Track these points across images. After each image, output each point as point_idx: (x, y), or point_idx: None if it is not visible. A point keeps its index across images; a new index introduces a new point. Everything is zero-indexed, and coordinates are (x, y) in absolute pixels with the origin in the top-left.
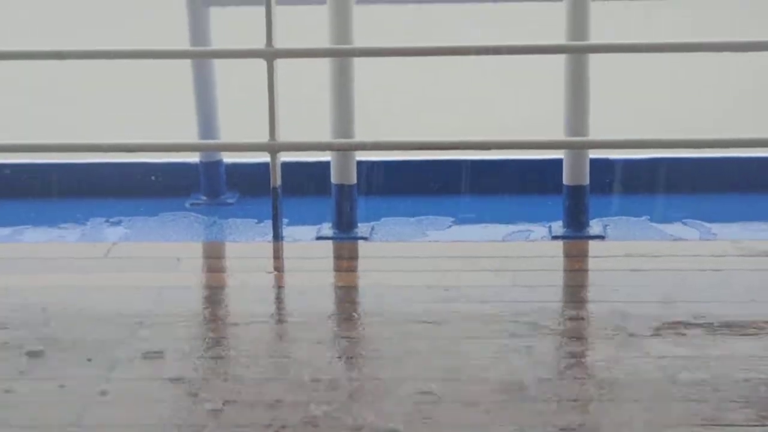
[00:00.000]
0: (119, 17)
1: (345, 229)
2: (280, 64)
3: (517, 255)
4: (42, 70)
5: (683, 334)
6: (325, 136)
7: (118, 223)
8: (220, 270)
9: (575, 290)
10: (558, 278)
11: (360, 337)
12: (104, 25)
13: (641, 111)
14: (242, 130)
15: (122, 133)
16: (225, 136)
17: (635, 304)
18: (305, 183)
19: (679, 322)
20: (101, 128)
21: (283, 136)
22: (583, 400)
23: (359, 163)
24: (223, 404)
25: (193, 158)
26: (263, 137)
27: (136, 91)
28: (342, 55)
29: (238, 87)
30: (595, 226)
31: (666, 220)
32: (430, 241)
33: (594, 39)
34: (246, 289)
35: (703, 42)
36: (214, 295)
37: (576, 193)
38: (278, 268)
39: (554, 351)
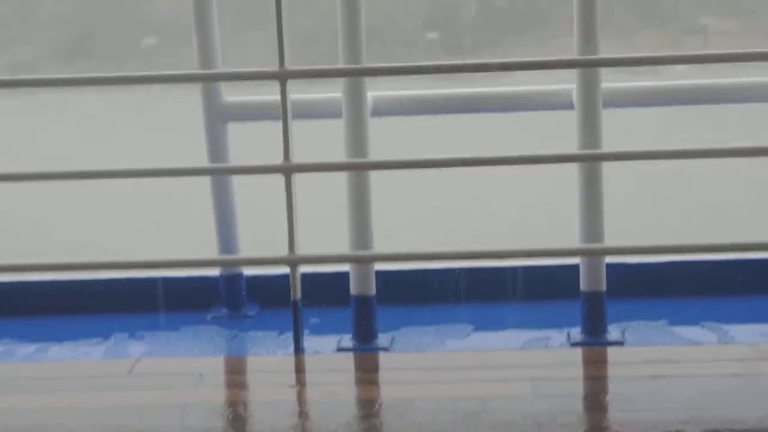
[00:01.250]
0: (137, 133)
1: (365, 340)
2: (297, 177)
3: (537, 363)
4: (61, 186)
5: None
6: (344, 247)
7: (142, 338)
8: (243, 385)
9: (596, 399)
10: (578, 387)
11: None
12: (122, 142)
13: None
14: (262, 242)
15: (143, 248)
16: (244, 248)
17: (657, 412)
18: (325, 294)
19: (702, 431)
20: (122, 244)
21: (302, 248)
22: None
23: (378, 272)
24: None
25: (214, 271)
26: (282, 249)
27: (155, 205)
28: (358, 168)
29: (257, 200)
30: (613, 332)
31: (684, 323)
32: (450, 351)
33: (607, 145)
34: (269, 405)
35: (718, 148)
36: (237, 411)
37: (593, 299)
38: (300, 382)
39: None
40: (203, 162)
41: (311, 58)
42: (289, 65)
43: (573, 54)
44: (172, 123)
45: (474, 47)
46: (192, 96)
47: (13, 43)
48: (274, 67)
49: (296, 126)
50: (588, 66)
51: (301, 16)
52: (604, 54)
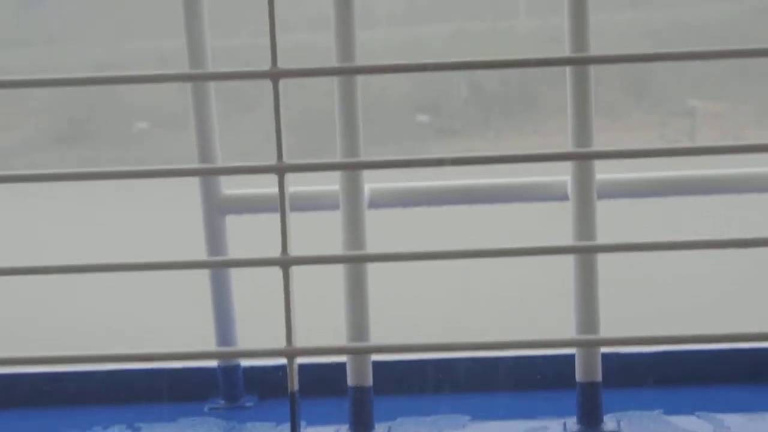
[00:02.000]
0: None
1: (362, 431)
2: (295, 269)
3: None
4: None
5: None
6: (341, 338)
7: (139, 429)
8: None
9: None
10: None
11: None
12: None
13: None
14: (259, 333)
15: (141, 340)
16: (242, 339)
17: None
18: (322, 385)
19: None
20: (119, 336)
21: (300, 340)
22: None
23: (375, 363)
24: None
25: (211, 363)
26: (280, 340)
27: (153, 296)
28: (355, 261)
29: (254, 292)
30: (609, 422)
31: (680, 413)
32: None
33: (602, 237)
34: None
35: (715, 240)
36: None
37: (589, 389)
38: None
39: None
40: (201, 253)
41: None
42: (287, 156)
43: (568, 145)
44: (168, 211)
45: (464, 129)
46: (189, 185)
47: (2, 130)
48: (271, 159)
49: (294, 217)
50: (582, 159)
51: (296, 93)
52: (598, 145)
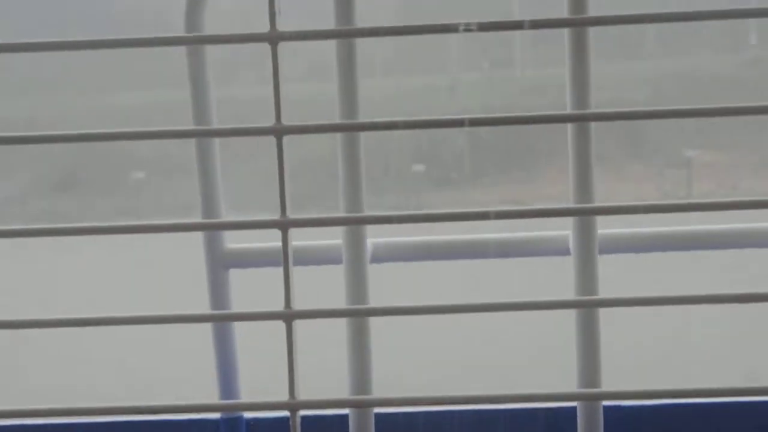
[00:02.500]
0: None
1: None
2: (298, 323)
3: None
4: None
5: None
6: (344, 391)
7: None
8: None
9: None
10: None
11: None
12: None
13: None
14: (263, 385)
15: (143, 392)
16: (245, 392)
17: None
18: None
19: None
20: (121, 387)
21: (303, 392)
22: None
23: (377, 414)
24: None
25: (214, 415)
26: (283, 392)
27: (155, 348)
28: (358, 315)
29: (258, 344)
30: None
31: None
32: None
33: (603, 291)
34: None
35: (719, 294)
36: None
37: None
38: None
39: None
40: (204, 306)
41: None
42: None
43: (569, 199)
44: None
45: (460, 179)
46: (192, 237)
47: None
48: (275, 213)
49: (297, 271)
50: (584, 214)
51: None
52: (596, 196)
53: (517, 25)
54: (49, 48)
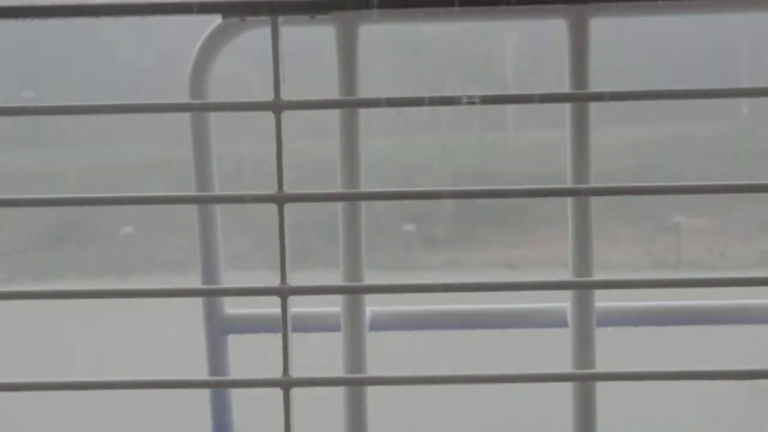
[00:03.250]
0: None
1: None
2: (295, 390)
3: None
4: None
5: None
6: None
7: None
8: None
9: None
10: None
11: None
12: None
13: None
14: None
15: None
16: None
17: None
18: None
19: None
20: None
21: None
22: None
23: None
24: None
25: None
26: None
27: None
28: (356, 384)
29: (255, 413)
30: None
31: None
32: None
33: (601, 365)
34: None
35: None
36: None
37: None
38: None
39: None
40: (201, 371)
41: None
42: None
43: (567, 272)
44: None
45: (451, 239)
46: (190, 301)
47: None
48: (275, 281)
49: (295, 338)
50: (582, 288)
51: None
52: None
53: (520, 99)
54: (50, 112)
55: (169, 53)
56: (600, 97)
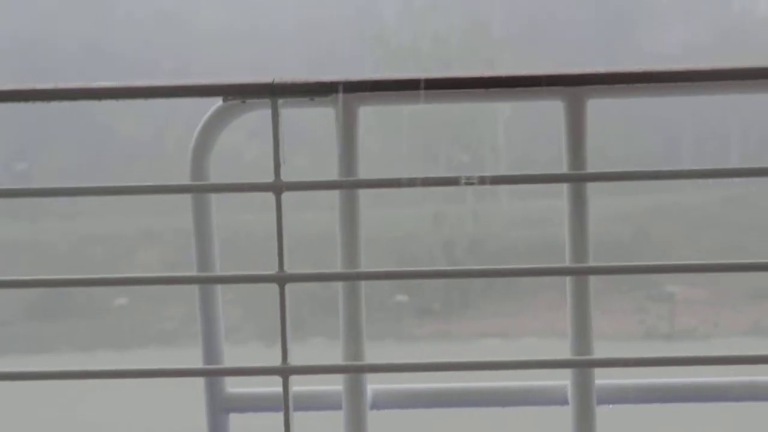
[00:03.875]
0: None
1: None
2: None
3: None
4: None
5: None
6: None
7: None
8: None
9: None
10: None
11: None
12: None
13: None
14: None
15: None
16: None
17: None
18: None
19: None
20: None
21: None
22: None
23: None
24: None
25: None
26: None
27: None
28: None
29: None
30: None
31: None
32: None
33: None
34: None
35: None
36: None
37: None
38: None
39: None
40: None
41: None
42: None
43: (566, 350)
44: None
45: (444, 310)
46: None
47: None
48: (268, 354)
49: (297, 416)
50: (582, 366)
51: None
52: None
53: (519, 179)
54: (54, 194)
55: (165, 128)
56: (598, 177)
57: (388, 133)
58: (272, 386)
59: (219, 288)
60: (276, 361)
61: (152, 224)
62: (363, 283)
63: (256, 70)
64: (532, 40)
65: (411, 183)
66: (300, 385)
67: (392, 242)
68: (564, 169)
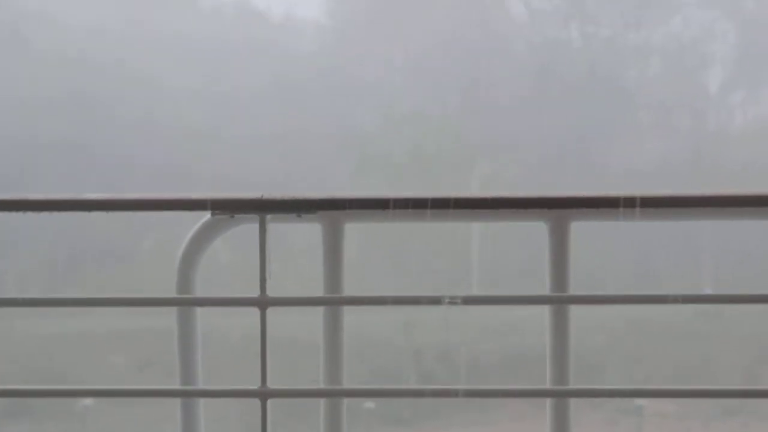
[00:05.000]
0: None
1: None
2: None
3: None
4: None
5: None
6: None
7: None
8: None
9: None
10: None
11: None
12: None
13: None
14: None
15: None
16: None
17: None
18: None
19: None
20: None
21: None
22: None
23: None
24: None
25: None
26: None
27: None
28: None
29: None
30: None
31: None
32: None
33: None
34: None
35: None
36: None
37: None
38: None
39: None
40: None
41: None
42: None
43: None
44: None
45: (413, 418)
46: None
47: None
48: None
49: None
50: None
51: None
52: None
53: (502, 300)
54: (44, 304)
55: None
56: (581, 300)
57: (363, 241)
58: None
59: (201, 401)
60: None
61: (125, 324)
62: (345, 402)
63: (239, 180)
64: (509, 149)
65: (396, 301)
66: None
67: (362, 349)
68: (546, 290)
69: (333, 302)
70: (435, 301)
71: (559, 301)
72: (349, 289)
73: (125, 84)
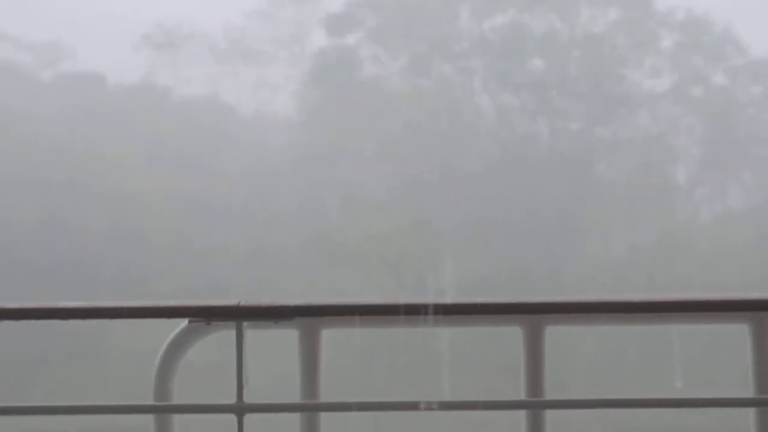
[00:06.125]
0: None
1: None
2: None
3: None
4: None
5: None
6: None
7: None
8: None
9: None
10: None
11: None
12: None
13: None
14: None
15: None
16: None
17: None
18: None
19: None
20: None
21: None
22: None
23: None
24: None
25: None
26: None
27: None
28: None
29: None
30: None
31: None
32: None
33: None
34: None
35: None
36: None
37: None
38: None
39: None
40: None
41: None
42: None
43: None
44: None
45: None
46: None
47: None
48: None
49: None
50: None
51: None
52: None
53: (478, 405)
54: (15, 412)
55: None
56: (557, 405)
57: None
58: None
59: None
60: None
61: (97, 422)
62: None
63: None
64: (476, 238)
65: (373, 407)
66: None
67: None
68: (522, 395)
69: (310, 408)
70: (412, 406)
71: (534, 406)
72: (325, 389)
73: (90, 195)
